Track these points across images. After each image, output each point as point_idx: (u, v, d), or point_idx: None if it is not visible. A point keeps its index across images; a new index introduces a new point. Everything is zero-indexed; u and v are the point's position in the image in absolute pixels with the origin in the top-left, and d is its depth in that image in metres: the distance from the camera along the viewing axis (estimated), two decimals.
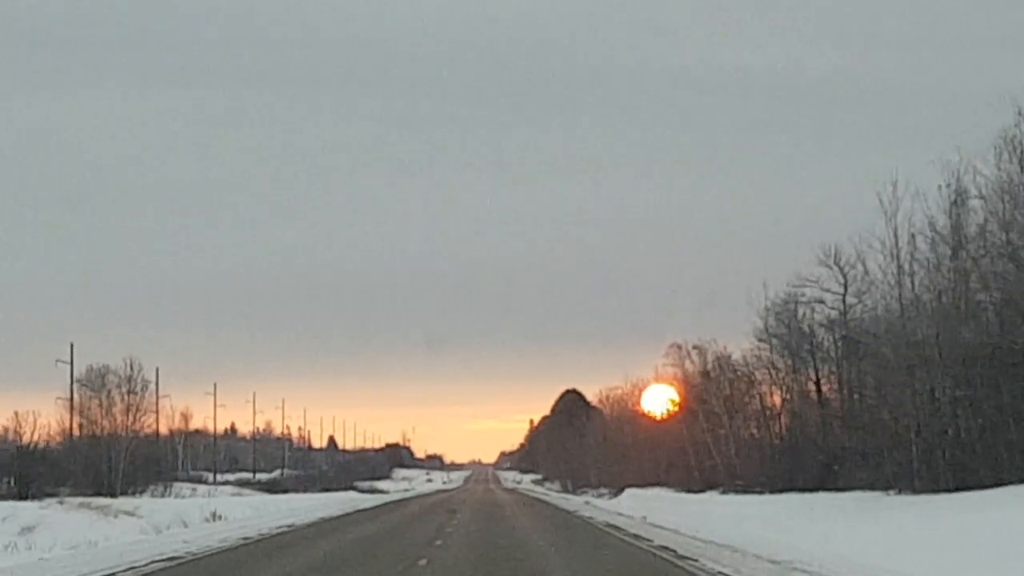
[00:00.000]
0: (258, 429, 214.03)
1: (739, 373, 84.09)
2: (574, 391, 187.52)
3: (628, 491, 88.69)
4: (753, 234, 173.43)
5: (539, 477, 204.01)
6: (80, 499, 61.91)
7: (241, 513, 57.08)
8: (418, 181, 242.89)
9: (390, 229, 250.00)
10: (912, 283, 57.64)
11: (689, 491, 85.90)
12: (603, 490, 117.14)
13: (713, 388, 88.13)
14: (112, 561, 28.71)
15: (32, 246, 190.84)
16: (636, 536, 37.89)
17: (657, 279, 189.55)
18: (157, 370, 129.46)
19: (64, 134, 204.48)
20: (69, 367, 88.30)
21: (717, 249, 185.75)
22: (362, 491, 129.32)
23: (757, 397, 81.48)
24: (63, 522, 45.53)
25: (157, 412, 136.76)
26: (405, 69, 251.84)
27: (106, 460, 78.79)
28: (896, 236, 58.76)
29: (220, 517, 52.53)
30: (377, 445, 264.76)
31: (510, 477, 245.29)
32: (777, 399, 79.53)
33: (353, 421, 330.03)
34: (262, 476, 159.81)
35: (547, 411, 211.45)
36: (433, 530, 41.70)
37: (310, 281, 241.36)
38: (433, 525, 44.48)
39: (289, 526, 45.08)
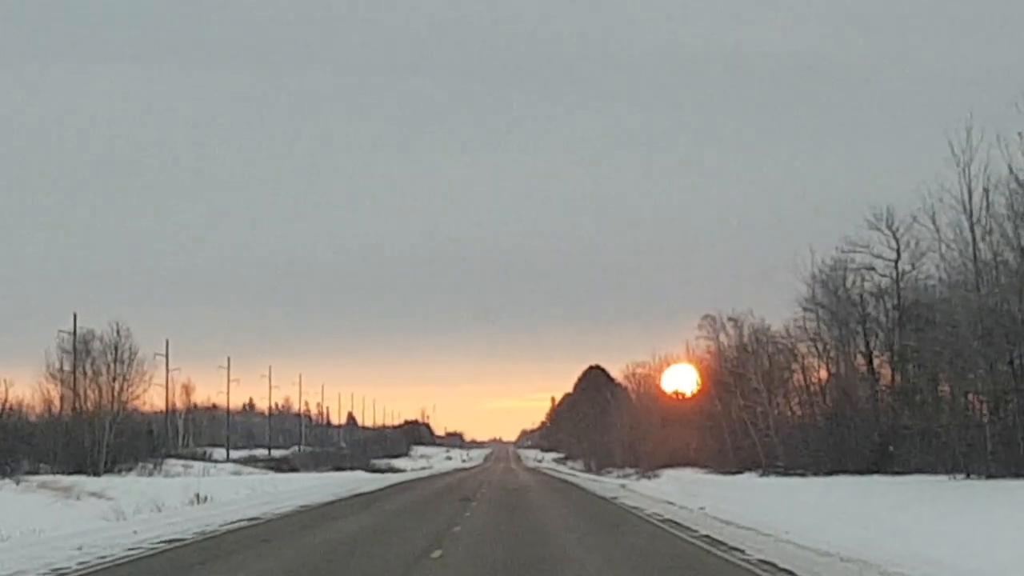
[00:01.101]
0: (276, 405, 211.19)
1: (780, 346, 76.88)
2: (598, 367, 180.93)
3: (667, 472, 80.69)
4: (795, 200, 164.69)
5: (561, 456, 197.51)
6: (44, 478, 55.00)
7: (234, 494, 50.46)
8: (438, 162, 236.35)
9: (413, 208, 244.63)
10: (990, 241, 50.25)
11: (724, 472, 78.86)
12: (629, 470, 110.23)
13: (751, 362, 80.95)
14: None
15: (42, 224, 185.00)
16: (721, 544, 26.32)
17: (689, 252, 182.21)
18: (167, 342, 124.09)
19: (76, 111, 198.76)
20: (72, 338, 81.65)
21: (755, 218, 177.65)
22: (376, 470, 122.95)
23: (800, 371, 74.25)
24: (10, 506, 38.63)
25: (167, 386, 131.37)
26: (414, 54, 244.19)
27: (89, 435, 71.88)
28: (969, 189, 51.34)
29: (205, 499, 45.82)
30: (397, 422, 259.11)
31: (531, 456, 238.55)
32: (823, 374, 72.29)
33: (372, 398, 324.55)
34: (277, 453, 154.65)
35: (569, 389, 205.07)
36: (436, 530, 30.58)
37: (335, 260, 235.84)
38: (438, 521, 33.84)
39: (251, 520, 35.58)
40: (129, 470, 71.16)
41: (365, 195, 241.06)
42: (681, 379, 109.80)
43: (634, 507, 39.98)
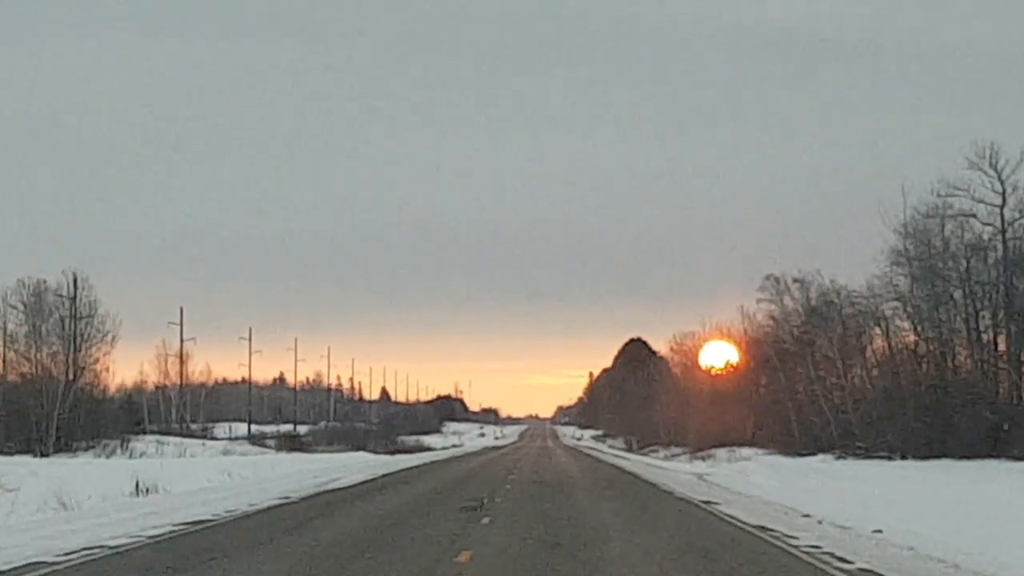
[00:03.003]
0: (307, 380, 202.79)
1: (858, 307, 65.24)
2: (639, 340, 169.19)
3: (758, 458, 68.30)
4: (880, 137, 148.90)
5: (599, 433, 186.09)
6: None
7: (202, 482, 39.37)
8: (475, 136, 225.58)
9: (449, 183, 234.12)
10: None
11: (789, 453, 67.51)
12: (676, 449, 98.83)
13: (822, 327, 69.44)
14: None
15: (56, 194, 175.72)
16: None
17: (744, 213, 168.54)
18: (181, 310, 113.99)
19: (78, 81, 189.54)
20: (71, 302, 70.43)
21: (825, 164, 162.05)
22: (401, 450, 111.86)
23: (883, 337, 62.67)
24: None
25: (181, 358, 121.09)
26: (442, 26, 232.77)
27: (36, 407, 59.68)
28: None
29: (149, 491, 34.70)
30: (430, 398, 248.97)
31: (568, 433, 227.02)
32: (909, 339, 60.80)
33: (407, 374, 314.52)
34: (303, 429, 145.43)
35: (608, 365, 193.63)
36: None
37: (376, 235, 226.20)
38: (427, 553, 18.39)
39: (191, 525, 23.75)
40: (88, 449, 59.46)
41: (401, 168, 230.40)
42: (718, 356, 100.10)
43: (758, 528, 22.95)
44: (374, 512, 27.13)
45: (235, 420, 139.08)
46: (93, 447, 60.02)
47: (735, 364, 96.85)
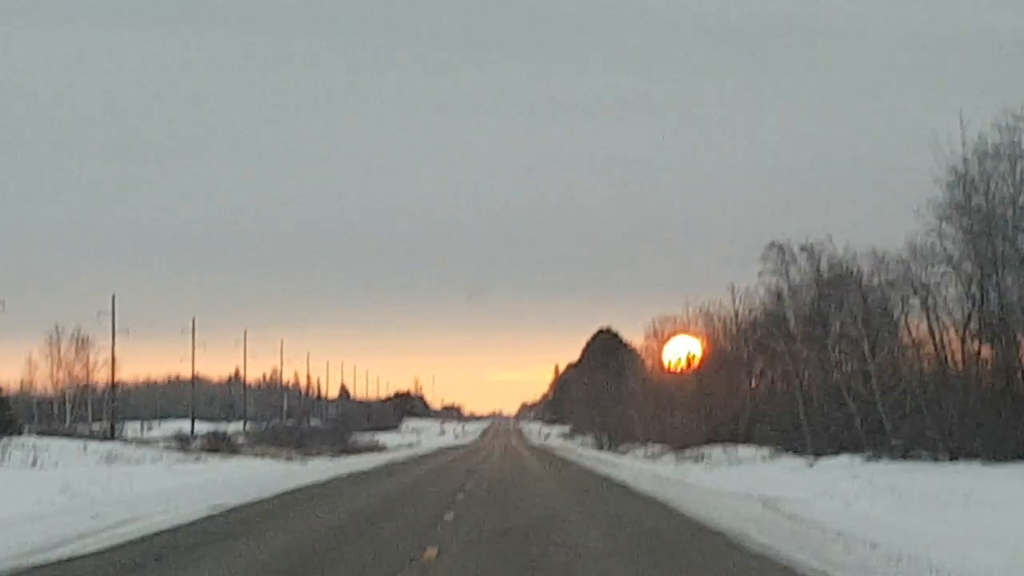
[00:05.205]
0: (265, 377, 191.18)
1: (889, 276, 52.53)
2: (608, 331, 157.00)
3: (773, 460, 55.04)
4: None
5: (567, 430, 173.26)
6: None
7: (13, 507, 26.43)
8: (432, 126, 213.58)
9: (410, 175, 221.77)
10: None
11: (810, 453, 54.84)
12: (654, 448, 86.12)
13: (838, 302, 56.82)
14: None
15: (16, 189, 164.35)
16: None
17: (728, 181, 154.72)
18: (113, 298, 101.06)
19: (52, 74, 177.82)
20: None
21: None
22: (353, 450, 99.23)
23: (924, 311, 49.93)
24: None
25: (113, 353, 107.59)
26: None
27: None
28: None
29: None
30: (390, 395, 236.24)
31: (534, 430, 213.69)
32: (963, 312, 48.10)
33: (366, 370, 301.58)
34: (252, 427, 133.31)
35: (576, 359, 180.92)
36: None
37: (335, 229, 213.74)
38: None
39: None
40: None
41: (356, 160, 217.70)
42: (682, 352, 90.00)
43: None
44: None
45: (185, 418, 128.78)
46: None
47: (698, 360, 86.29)
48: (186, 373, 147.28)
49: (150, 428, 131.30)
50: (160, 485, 33.75)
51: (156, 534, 19.34)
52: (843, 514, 19.92)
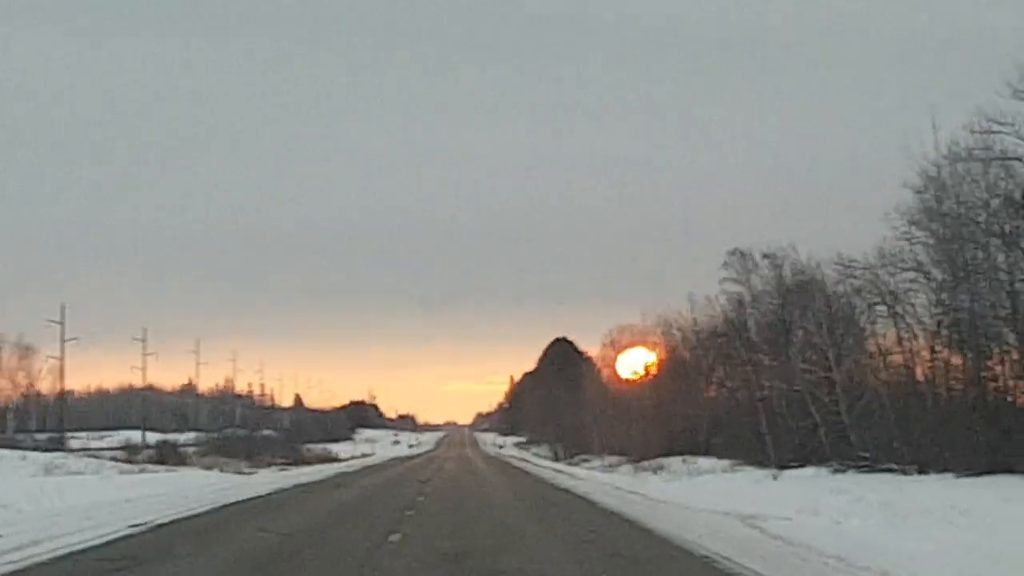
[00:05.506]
0: (217, 386, 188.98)
1: (856, 283, 50.92)
2: (564, 340, 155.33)
3: (728, 473, 52.82)
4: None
5: (522, 440, 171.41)
6: None
7: None
8: (376, 128, 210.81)
9: (362, 183, 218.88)
10: None
11: (773, 466, 53.12)
12: (611, 459, 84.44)
13: (801, 308, 55.23)
14: None
15: None
16: None
17: (693, 191, 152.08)
18: (63, 306, 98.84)
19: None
20: None
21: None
22: (302, 461, 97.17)
23: (892, 319, 48.32)
24: None
25: (62, 362, 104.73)
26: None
27: None
28: None
29: None
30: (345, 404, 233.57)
31: (489, 440, 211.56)
32: (933, 319, 46.49)
33: (321, 380, 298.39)
34: (204, 437, 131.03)
35: (532, 369, 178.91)
36: None
37: (285, 238, 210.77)
38: None
39: None
40: None
41: (308, 166, 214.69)
42: (636, 364, 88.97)
43: None
44: None
45: (138, 428, 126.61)
46: None
47: (653, 371, 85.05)
48: (139, 382, 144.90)
49: (101, 438, 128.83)
50: (95, 498, 31.53)
51: (51, 561, 16.97)
52: (835, 534, 17.90)
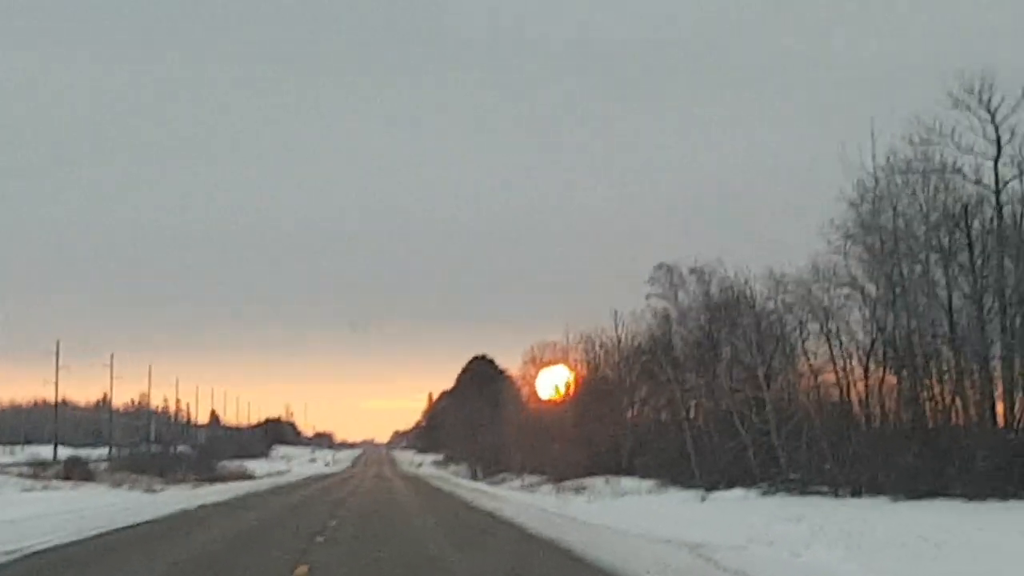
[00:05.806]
0: (132, 402, 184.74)
1: (789, 298, 49.32)
2: (483, 358, 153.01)
3: (652, 495, 50.86)
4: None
5: (440, 458, 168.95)
6: None
7: None
8: (282, 139, 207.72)
9: (278, 194, 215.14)
10: None
11: (701, 487, 51.29)
12: (531, 478, 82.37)
13: (730, 325, 53.59)
14: None
15: None
16: None
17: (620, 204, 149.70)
18: None
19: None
20: None
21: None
22: (216, 478, 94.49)
23: (826, 338, 46.71)
24: None
25: None
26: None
27: None
28: None
29: None
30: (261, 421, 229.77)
31: (407, 459, 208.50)
32: (867, 338, 44.95)
33: (237, 396, 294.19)
34: (121, 453, 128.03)
35: (450, 387, 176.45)
36: None
37: (203, 251, 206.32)
38: None
39: None
40: None
41: (223, 175, 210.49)
42: (552, 383, 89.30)
43: None
44: None
45: (50, 444, 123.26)
46: None
47: (572, 389, 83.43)
48: (52, 397, 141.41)
49: (12, 453, 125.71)
50: None
51: None
52: (796, 568, 15.96)
